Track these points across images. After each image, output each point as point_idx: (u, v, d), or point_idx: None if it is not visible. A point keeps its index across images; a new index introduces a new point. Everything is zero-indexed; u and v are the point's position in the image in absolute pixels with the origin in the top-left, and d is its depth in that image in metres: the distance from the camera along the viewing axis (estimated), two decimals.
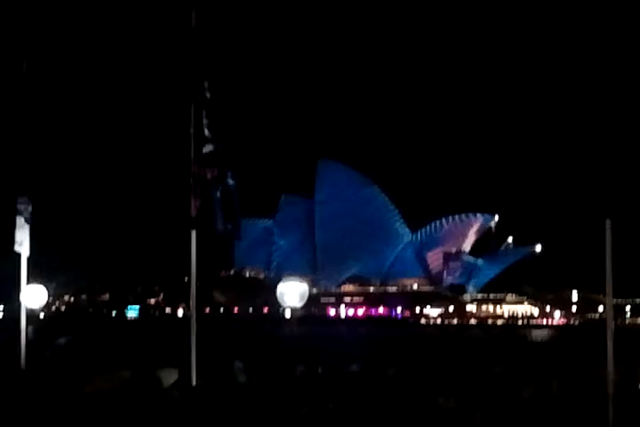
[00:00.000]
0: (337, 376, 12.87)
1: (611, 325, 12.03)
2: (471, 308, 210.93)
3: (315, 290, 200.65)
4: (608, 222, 11.40)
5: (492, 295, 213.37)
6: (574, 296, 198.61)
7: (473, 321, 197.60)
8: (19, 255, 15.24)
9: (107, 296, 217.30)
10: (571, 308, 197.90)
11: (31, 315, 15.81)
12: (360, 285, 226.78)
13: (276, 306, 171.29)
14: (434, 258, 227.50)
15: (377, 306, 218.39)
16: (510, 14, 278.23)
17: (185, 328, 13.19)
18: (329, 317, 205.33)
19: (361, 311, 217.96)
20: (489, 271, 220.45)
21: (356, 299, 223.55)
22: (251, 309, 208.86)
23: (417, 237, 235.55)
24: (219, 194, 12.87)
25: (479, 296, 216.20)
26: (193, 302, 13.88)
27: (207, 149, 12.83)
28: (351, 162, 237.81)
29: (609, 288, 11.80)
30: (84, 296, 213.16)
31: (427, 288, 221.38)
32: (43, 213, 16.60)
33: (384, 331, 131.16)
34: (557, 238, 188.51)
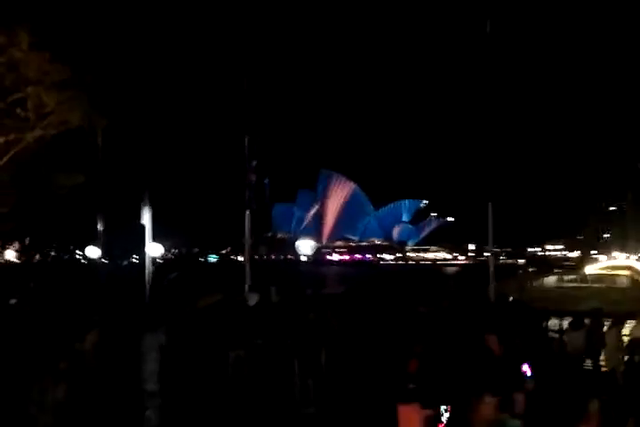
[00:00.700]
0: (331, 296, 15.69)
1: (492, 263, 14.74)
2: (410, 255, 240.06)
3: (318, 245, 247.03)
4: (490, 205, 13.58)
5: (422, 247, 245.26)
6: (471, 247, 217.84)
7: (412, 262, 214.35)
8: (144, 226, 15.42)
9: (197, 249, 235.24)
10: (468, 254, 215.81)
11: (153, 260, 16.11)
12: (345, 241, 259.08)
13: (295, 254, 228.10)
14: (388, 226, 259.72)
15: (355, 254, 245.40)
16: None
17: (243, 268, 15.56)
18: (326, 260, 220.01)
19: (346, 257, 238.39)
20: (420, 233, 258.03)
21: (343, 250, 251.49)
22: (281, 256, 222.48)
23: (378, 213, 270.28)
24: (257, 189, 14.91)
25: (415, 248, 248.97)
26: (247, 253, 16.68)
27: (253, 163, 15.36)
28: (338, 167, 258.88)
29: (490, 242, 14.58)
30: (183, 249, 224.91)
31: (384, 243, 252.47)
32: (159, 201, 15.96)
33: (359, 269, 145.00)
34: (462, 213, 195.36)
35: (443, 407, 6.41)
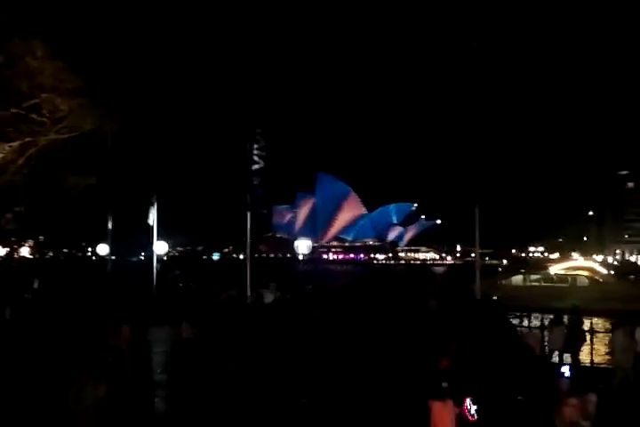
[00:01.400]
0: (328, 292, 15.24)
1: (478, 263, 14.44)
2: (401, 255, 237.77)
3: (315, 244, 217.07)
4: (477, 209, 13.29)
5: (412, 247, 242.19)
6: (458, 248, 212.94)
7: (402, 262, 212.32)
8: (150, 226, 16.06)
9: (201, 247, 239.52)
10: (456, 254, 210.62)
11: (158, 258, 15.82)
12: (340, 241, 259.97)
13: (294, 253, 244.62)
14: (380, 227, 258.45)
15: (349, 253, 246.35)
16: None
17: (244, 265, 15.31)
18: (323, 259, 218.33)
19: (340, 256, 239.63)
20: (410, 235, 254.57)
21: (338, 249, 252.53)
22: (280, 254, 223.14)
23: (371, 215, 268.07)
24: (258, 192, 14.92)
25: (405, 248, 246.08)
26: (248, 251, 16.40)
27: (254, 167, 15.28)
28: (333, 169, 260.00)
29: (477, 244, 14.22)
30: (188, 247, 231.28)
31: (377, 244, 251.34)
32: (165, 203, 16.15)
33: (353, 267, 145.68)
34: (450, 215, 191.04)
35: (468, 400, 6.31)
